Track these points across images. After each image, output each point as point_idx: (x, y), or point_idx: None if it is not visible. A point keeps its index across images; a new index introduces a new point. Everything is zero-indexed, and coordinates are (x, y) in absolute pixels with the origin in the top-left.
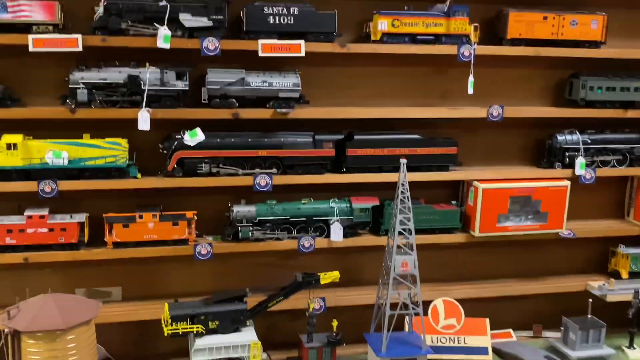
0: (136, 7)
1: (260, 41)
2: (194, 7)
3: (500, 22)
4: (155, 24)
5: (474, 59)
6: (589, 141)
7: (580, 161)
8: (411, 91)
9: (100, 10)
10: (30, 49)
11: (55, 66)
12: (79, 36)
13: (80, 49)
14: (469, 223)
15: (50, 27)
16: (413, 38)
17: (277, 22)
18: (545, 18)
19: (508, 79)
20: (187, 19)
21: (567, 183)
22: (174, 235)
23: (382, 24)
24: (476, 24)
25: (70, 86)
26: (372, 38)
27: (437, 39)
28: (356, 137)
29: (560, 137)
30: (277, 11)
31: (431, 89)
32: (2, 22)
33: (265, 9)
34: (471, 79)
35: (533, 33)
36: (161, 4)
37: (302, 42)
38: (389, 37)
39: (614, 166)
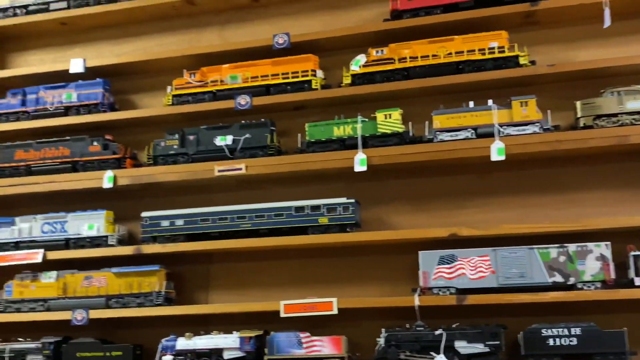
0: (413, 337)
1: None
2: (470, 334)
3: None
4: (431, 352)
5: None
6: None
7: None
8: None
9: (381, 341)
10: None
11: None
12: None
13: None
14: None
15: None
16: None
17: (558, 344)
18: None
19: None
20: (463, 346)
21: None
22: None
23: None
24: None
25: None
26: None
27: None
28: None
29: None
30: (557, 332)
31: None
32: (296, 358)
33: (544, 331)
34: None
35: None
36: (437, 332)
37: None
38: None
39: None
